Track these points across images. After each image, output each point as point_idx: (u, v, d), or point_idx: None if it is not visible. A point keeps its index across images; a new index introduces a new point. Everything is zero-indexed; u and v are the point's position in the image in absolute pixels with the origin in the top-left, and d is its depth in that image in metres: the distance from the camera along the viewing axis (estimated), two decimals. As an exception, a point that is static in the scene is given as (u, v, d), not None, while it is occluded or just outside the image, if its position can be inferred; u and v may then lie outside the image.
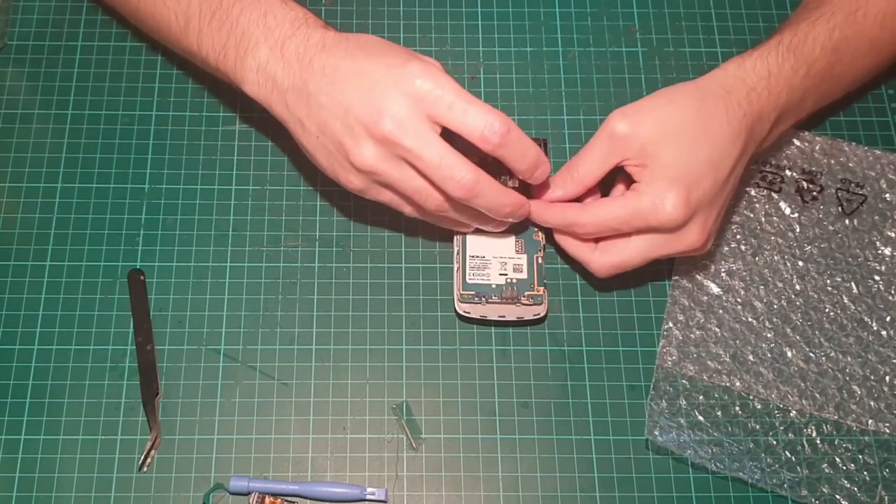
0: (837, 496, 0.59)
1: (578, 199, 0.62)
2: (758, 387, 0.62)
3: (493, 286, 0.62)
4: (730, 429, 0.61)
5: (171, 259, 0.65)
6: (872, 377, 0.62)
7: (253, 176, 0.67)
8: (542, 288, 0.62)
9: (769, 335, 0.63)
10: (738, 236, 0.66)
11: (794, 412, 0.61)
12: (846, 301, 0.64)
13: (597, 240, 0.61)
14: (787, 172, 0.68)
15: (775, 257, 0.66)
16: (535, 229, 0.64)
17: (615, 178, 0.62)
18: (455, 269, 0.63)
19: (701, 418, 0.61)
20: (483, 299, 0.62)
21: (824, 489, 0.59)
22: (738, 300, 0.64)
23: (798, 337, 0.63)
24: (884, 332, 0.63)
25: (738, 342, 0.63)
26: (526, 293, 0.62)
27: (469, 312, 0.62)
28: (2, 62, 0.70)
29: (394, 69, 0.55)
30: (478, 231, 0.63)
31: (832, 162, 0.68)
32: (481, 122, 0.54)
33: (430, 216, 0.61)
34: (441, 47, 0.72)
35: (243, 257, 0.65)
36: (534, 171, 0.57)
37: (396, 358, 0.62)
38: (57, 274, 0.64)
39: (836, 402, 0.61)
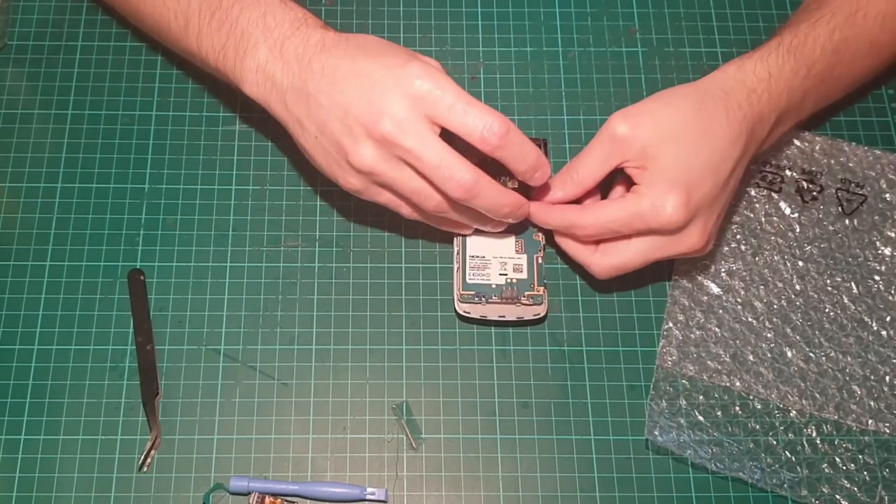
0: (837, 496, 0.59)
1: (578, 201, 0.62)
2: (758, 387, 0.62)
3: (493, 286, 0.62)
4: (730, 429, 0.61)
5: (171, 259, 0.65)
6: (872, 377, 0.62)
7: (253, 176, 0.67)
8: (542, 288, 0.62)
9: (769, 335, 0.63)
10: (738, 236, 0.66)
11: (794, 412, 0.61)
12: (846, 301, 0.64)
13: (597, 242, 0.61)
14: (787, 172, 0.68)
15: (775, 257, 0.66)
16: (535, 229, 0.64)
17: (614, 180, 0.62)
18: (455, 269, 0.63)
19: (701, 418, 0.61)
20: (483, 299, 0.62)
21: (824, 489, 0.59)
22: (738, 300, 0.64)
23: (798, 337, 0.63)
24: (884, 332, 0.63)
25: (738, 342, 0.63)
26: (526, 293, 0.62)
27: (469, 312, 0.62)
28: (2, 62, 0.70)
29: (393, 69, 0.55)
30: (477, 231, 0.63)
31: (832, 162, 0.68)
32: (481, 123, 0.54)
33: (429, 217, 0.61)
34: (441, 47, 0.72)
35: (243, 257, 0.65)
36: (533, 172, 0.57)
37: (396, 358, 0.62)
38: (57, 274, 0.64)
39: (836, 402, 0.61)
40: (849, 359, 0.63)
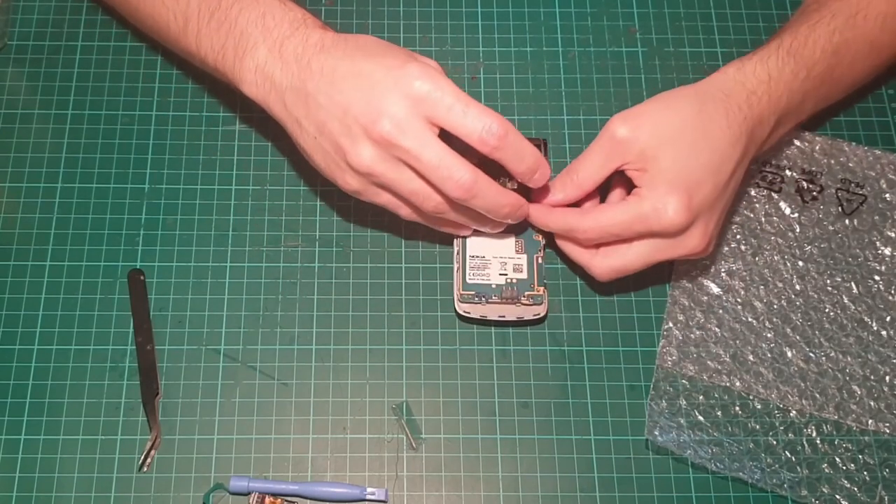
0: (837, 496, 0.59)
1: (578, 203, 0.62)
2: (758, 387, 0.62)
3: (493, 286, 0.62)
4: (730, 429, 0.61)
5: (171, 259, 0.65)
6: (872, 377, 0.62)
7: (253, 176, 0.67)
8: (542, 288, 0.62)
9: (769, 335, 0.63)
10: (738, 236, 0.66)
11: (794, 412, 0.61)
12: (846, 301, 0.64)
13: (597, 245, 0.61)
14: (787, 172, 0.68)
15: (775, 257, 0.66)
16: (535, 230, 0.64)
17: (612, 183, 0.62)
18: (455, 269, 0.63)
19: (701, 418, 0.61)
20: (483, 299, 0.62)
21: (824, 489, 0.59)
22: (738, 300, 0.64)
23: (798, 337, 0.63)
24: (884, 332, 0.63)
25: (738, 342, 0.63)
26: (526, 293, 0.62)
27: (469, 312, 0.62)
28: (2, 62, 0.71)
29: (393, 70, 0.55)
30: (476, 232, 0.63)
31: (832, 162, 0.68)
32: (479, 124, 0.54)
33: (428, 219, 0.61)
34: (441, 47, 0.72)
35: (243, 257, 0.65)
36: (532, 173, 0.57)
37: (396, 358, 0.63)
38: (57, 274, 0.64)
39: (836, 402, 0.61)
40: (849, 359, 0.63)
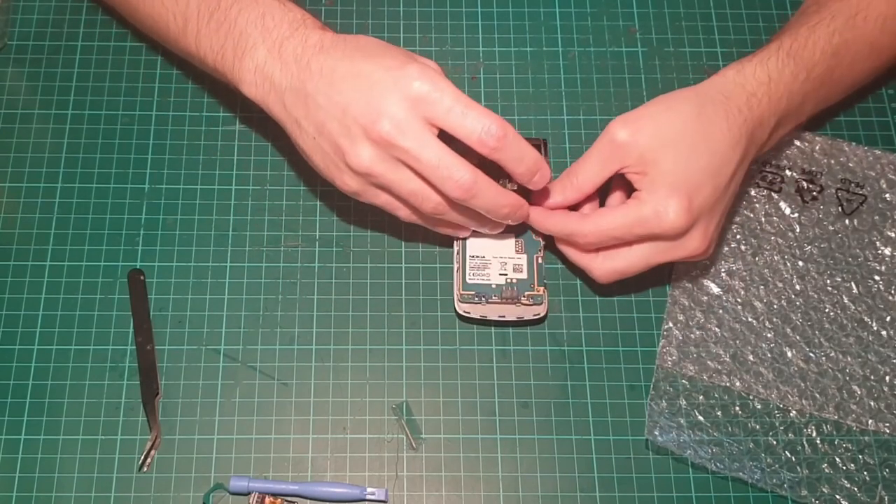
0: (837, 496, 0.59)
1: (577, 206, 0.62)
2: (758, 387, 0.62)
3: (493, 286, 0.62)
4: (730, 429, 0.61)
5: (171, 259, 0.65)
6: (872, 377, 0.62)
7: (253, 176, 0.67)
8: (542, 288, 0.62)
9: (769, 335, 0.63)
10: (738, 236, 0.66)
11: (794, 412, 0.61)
12: (846, 301, 0.64)
13: (598, 248, 0.61)
14: (787, 172, 0.68)
15: (775, 257, 0.66)
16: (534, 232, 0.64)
17: (611, 186, 0.62)
18: (455, 269, 0.63)
19: (701, 418, 0.61)
20: (483, 299, 0.62)
21: (824, 489, 0.59)
22: (738, 300, 0.64)
23: (798, 337, 0.63)
24: (884, 332, 0.63)
25: (738, 342, 0.63)
26: (526, 293, 0.62)
27: (469, 312, 0.62)
28: (2, 62, 0.71)
29: (392, 71, 0.55)
30: (476, 233, 0.63)
31: (832, 162, 0.68)
32: (479, 125, 0.54)
33: (427, 220, 0.61)
34: (441, 47, 0.72)
35: (243, 257, 0.65)
36: (532, 175, 0.57)
37: (396, 358, 0.63)
38: (57, 274, 0.64)
39: (836, 402, 0.61)
40: (849, 359, 0.63)
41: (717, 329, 0.63)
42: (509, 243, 0.63)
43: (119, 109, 0.69)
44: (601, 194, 0.62)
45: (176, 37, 0.63)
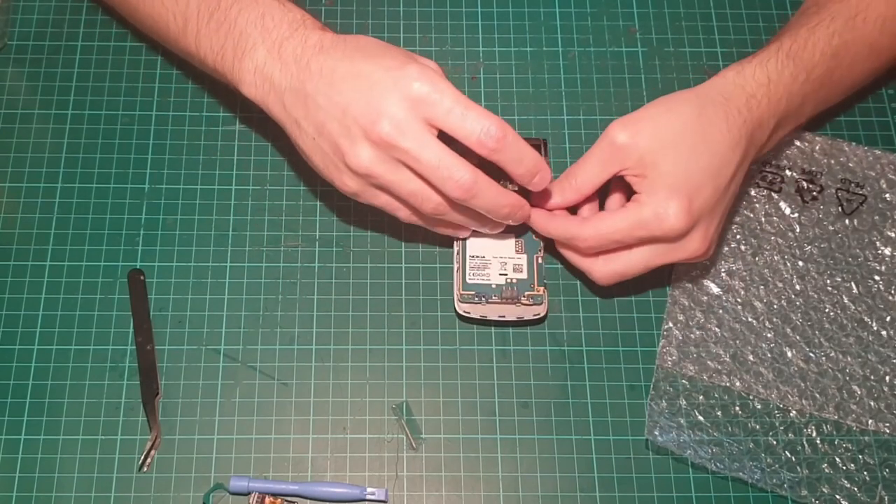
0: (837, 496, 0.59)
1: (576, 207, 0.62)
2: (758, 387, 0.62)
3: (493, 286, 0.62)
4: (730, 429, 0.61)
5: (171, 259, 0.65)
6: (872, 377, 0.62)
7: (253, 176, 0.67)
8: (542, 288, 0.62)
9: (769, 335, 0.63)
10: (738, 236, 0.66)
11: (794, 412, 0.61)
12: (846, 301, 0.64)
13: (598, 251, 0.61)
14: (787, 172, 0.68)
15: (775, 257, 0.66)
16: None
17: (610, 187, 0.62)
18: (455, 269, 0.63)
19: (701, 418, 0.61)
20: (483, 299, 0.62)
21: (824, 489, 0.59)
22: (738, 300, 0.64)
23: (798, 337, 0.63)
24: (884, 332, 0.63)
25: (738, 342, 0.63)
26: (526, 293, 0.62)
27: (469, 312, 0.62)
28: (2, 62, 0.71)
29: (392, 71, 0.55)
30: (475, 233, 0.63)
31: (832, 162, 0.68)
32: (478, 126, 0.54)
33: (426, 220, 0.61)
34: (441, 47, 0.72)
35: (243, 257, 0.65)
36: (532, 176, 0.57)
37: (396, 358, 0.63)
38: (57, 274, 0.64)
39: (836, 402, 0.61)
40: (849, 359, 0.63)
41: (717, 329, 0.63)
42: (509, 243, 0.63)
43: (119, 109, 0.69)
44: (600, 195, 0.62)
45: (176, 37, 0.63)
